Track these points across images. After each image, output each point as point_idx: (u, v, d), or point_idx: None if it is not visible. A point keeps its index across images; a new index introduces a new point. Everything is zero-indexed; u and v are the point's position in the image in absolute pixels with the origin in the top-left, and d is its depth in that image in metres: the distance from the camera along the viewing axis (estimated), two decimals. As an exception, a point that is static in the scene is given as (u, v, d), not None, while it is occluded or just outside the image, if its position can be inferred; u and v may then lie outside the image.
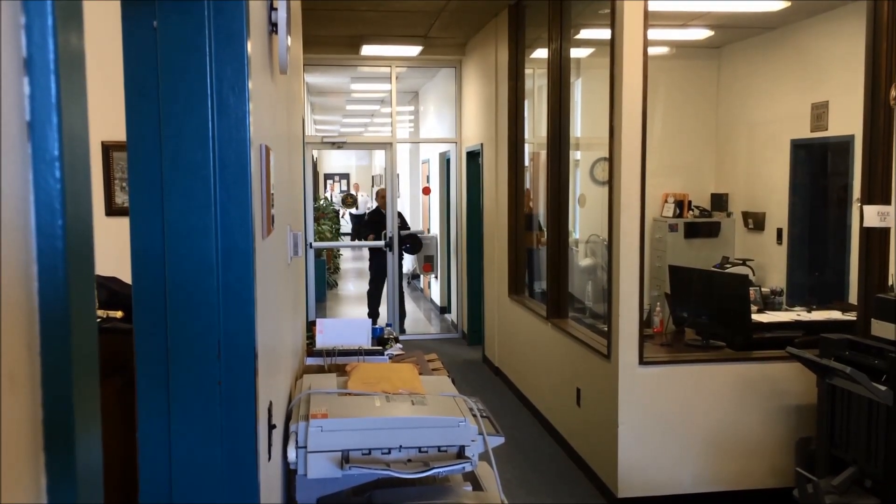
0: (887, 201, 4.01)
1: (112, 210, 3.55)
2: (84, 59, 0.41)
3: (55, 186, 0.37)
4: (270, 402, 1.72)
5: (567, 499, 4.40)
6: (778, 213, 6.70)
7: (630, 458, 4.15)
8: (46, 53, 0.36)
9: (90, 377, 0.41)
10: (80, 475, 0.38)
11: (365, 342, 3.24)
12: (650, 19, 4.00)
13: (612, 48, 4.10)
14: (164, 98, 1.17)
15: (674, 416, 4.18)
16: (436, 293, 10.97)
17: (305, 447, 2.04)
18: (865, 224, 3.99)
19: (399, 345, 3.77)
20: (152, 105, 1.17)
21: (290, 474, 2.17)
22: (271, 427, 1.70)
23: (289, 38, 1.99)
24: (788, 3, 5.55)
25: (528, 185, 6.79)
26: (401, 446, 2.10)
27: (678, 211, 7.42)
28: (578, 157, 6.87)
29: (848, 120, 5.36)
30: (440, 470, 2.06)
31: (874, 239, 4.03)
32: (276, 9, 1.88)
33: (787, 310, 5.15)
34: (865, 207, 3.99)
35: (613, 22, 4.08)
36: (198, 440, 1.26)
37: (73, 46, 0.39)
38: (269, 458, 1.69)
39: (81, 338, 0.39)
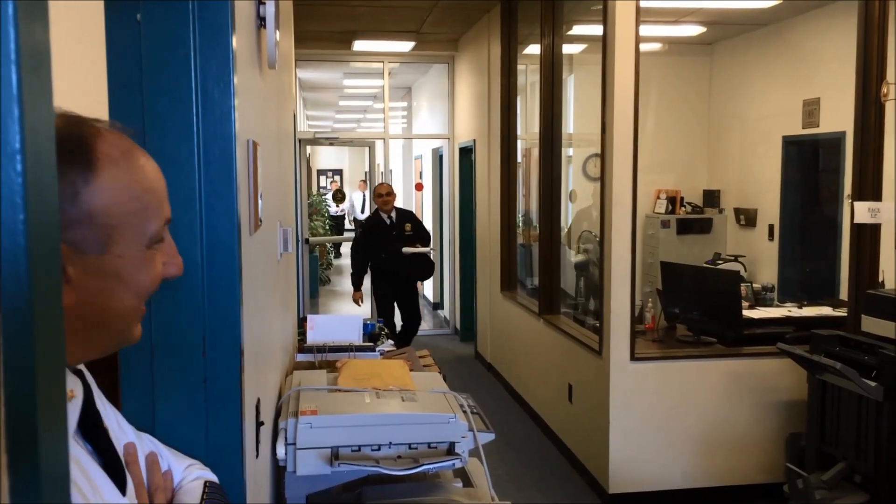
0: (878, 198, 4.02)
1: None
2: (49, 52, 0.40)
3: (16, 180, 0.36)
4: (258, 399, 1.71)
5: (558, 494, 4.40)
6: (770, 209, 6.72)
7: (621, 453, 4.16)
8: (7, 44, 0.36)
9: (56, 376, 0.40)
10: (44, 475, 0.38)
11: (356, 338, 3.23)
12: (642, 15, 4.00)
13: (604, 44, 4.10)
14: (148, 92, 1.16)
15: (665, 411, 4.18)
16: (428, 289, 10.97)
17: (295, 444, 2.03)
18: (856, 220, 4.00)
19: (390, 341, 3.76)
20: (136, 99, 1.16)
21: (279, 471, 2.16)
22: (259, 424, 1.69)
23: (277, 32, 1.98)
24: (780, 0, 5.55)
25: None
26: (391, 443, 2.09)
27: (670, 207, 7.43)
28: (571, 154, 6.87)
29: (839, 116, 5.38)
30: (430, 466, 2.06)
31: (865, 235, 4.04)
32: (264, 3, 1.87)
33: (778, 306, 5.16)
34: (856, 204, 4.01)
35: (605, 18, 4.07)
36: (182, 438, 1.25)
37: (37, 38, 0.38)
38: (257, 456, 1.68)
39: (46, 336, 0.38)
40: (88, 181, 0.77)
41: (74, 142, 0.76)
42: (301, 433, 2.03)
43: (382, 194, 6.68)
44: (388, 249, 6.54)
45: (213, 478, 1.07)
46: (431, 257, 6.97)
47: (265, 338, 1.95)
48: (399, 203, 7.06)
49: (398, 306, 6.78)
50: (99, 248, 0.78)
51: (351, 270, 6.95)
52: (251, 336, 1.49)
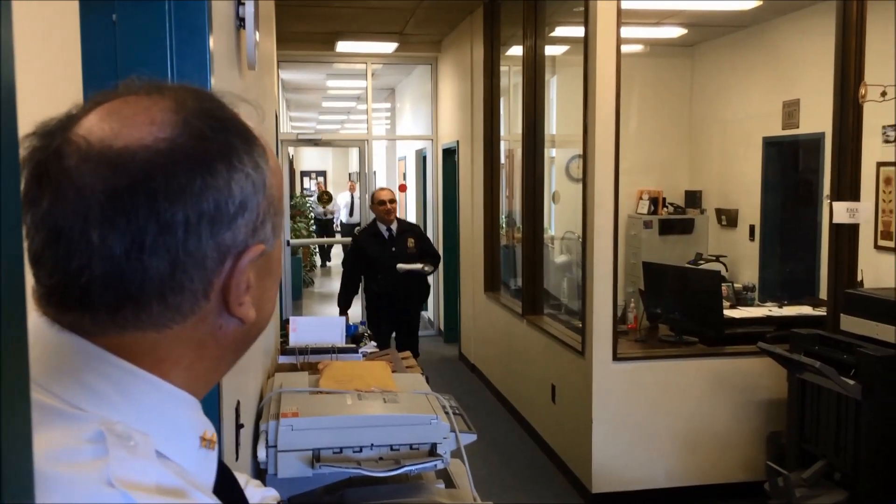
0: (856, 198, 4.06)
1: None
2: (12, 52, 0.40)
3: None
4: (238, 402, 1.70)
5: (542, 495, 4.41)
6: (750, 209, 6.77)
7: (604, 453, 4.17)
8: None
9: (19, 375, 0.40)
10: (6, 479, 0.37)
11: (339, 340, 3.22)
12: (623, 17, 4.02)
13: (586, 46, 4.12)
14: (124, 93, 1.15)
15: (647, 411, 4.20)
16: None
17: (276, 446, 2.02)
18: (835, 220, 4.04)
19: (373, 342, 3.76)
20: (111, 100, 1.15)
21: (260, 474, 2.15)
22: (239, 426, 1.68)
23: (257, 33, 1.97)
24: (760, 2, 5.60)
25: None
26: (372, 444, 2.09)
27: (653, 208, 7.47)
28: (554, 155, 6.90)
29: (818, 118, 5.42)
30: (411, 468, 2.06)
31: (843, 235, 4.08)
32: (243, 4, 1.86)
33: (759, 305, 5.20)
34: (834, 204, 4.05)
35: (587, 20, 4.09)
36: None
37: (0, 38, 0.38)
38: (237, 458, 1.67)
39: (9, 338, 0.38)
40: (267, 163, 0.62)
41: (240, 123, 0.62)
42: (282, 435, 2.02)
43: (385, 201, 5.50)
44: (383, 269, 5.44)
45: (274, 493, 1.00)
46: (429, 278, 5.87)
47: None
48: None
49: (395, 340, 5.66)
50: (274, 241, 0.63)
51: (339, 292, 5.76)
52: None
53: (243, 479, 0.96)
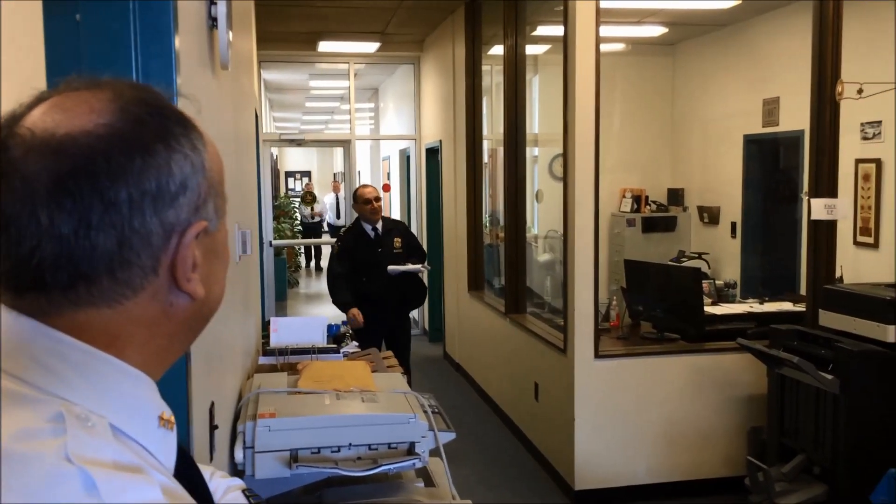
0: (834, 194, 4.10)
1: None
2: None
3: None
4: (212, 403, 1.70)
5: (525, 493, 4.42)
6: (732, 207, 6.82)
7: (586, 450, 4.19)
8: None
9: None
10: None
11: (320, 340, 3.22)
12: (603, 16, 4.04)
13: (565, 45, 4.13)
14: (88, 93, 1.14)
15: (629, 408, 4.22)
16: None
17: (253, 447, 2.02)
18: (813, 217, 4.07)
19: (355, 342, 3.75)
20: (75, 100, 1.14)
21: (237, 475, 2.15)
22: (213, 428, 1.68)
23: (230, 33, 1.96)
24: (739, 1, 5.63)
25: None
26: (350, 444, 2.09)
27: (636, 206, 7.50)
28: (537, 154, 6.91)
29: (797, 115, 5.47)
30: (389, 467, 2.06)
31: (821, 231, 4.12)
32: (215, 3, 1.86)
33: (740, 302, 5.23)
34: (813, 200, 4.08)
35: (566, 19, 4.10)
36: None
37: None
38: (211, 460, 1.67)
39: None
40: (205, 146, 0.65)
41: (176, 109, 0.65)
42: (259, 436, 2.02)
43: (370, 200, 5.14)
44: (370, 271, 5.07)
45: (239, 482, 1.03)
46: (424, 278, 5.52)
47: (220, 340, 1.93)
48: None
49: (387, 348, 5.10)
50: (217, 222, 0.66)
51: (332, 298, 5.20)
52: (201, 337, 1.47)
53: (208, 471, 0.99)
